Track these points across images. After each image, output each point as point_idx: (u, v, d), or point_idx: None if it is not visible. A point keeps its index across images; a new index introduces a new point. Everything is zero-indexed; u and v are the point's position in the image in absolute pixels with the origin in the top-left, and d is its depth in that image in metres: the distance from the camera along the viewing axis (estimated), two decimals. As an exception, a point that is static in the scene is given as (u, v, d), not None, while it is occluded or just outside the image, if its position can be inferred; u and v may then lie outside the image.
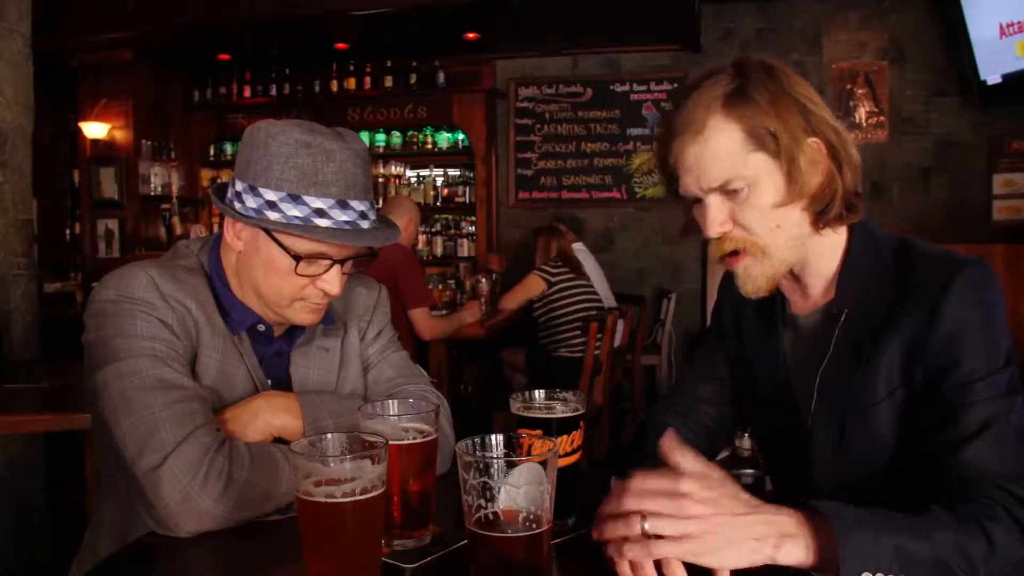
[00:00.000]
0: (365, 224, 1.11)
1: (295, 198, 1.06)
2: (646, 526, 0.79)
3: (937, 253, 1.01)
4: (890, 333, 0.98)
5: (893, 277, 1.01)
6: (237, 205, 1.10)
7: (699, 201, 1.01)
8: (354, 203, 1.09)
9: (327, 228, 1.07)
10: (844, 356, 1.03)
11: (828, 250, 1.06)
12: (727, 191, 0.98)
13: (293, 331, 1.24)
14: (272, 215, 1.07)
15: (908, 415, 0.97)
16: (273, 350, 1.22)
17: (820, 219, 1.01)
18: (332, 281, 1.12)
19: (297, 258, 1.09)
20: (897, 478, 0.98)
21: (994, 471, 0.87)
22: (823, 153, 0.98)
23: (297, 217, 1.06)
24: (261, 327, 1.19)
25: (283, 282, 1.11)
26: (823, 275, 1.07)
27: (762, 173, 0.97)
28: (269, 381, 1.19)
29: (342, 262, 1.13)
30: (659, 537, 0.79)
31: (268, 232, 1.09)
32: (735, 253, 1.01)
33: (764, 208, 0.98)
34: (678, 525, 0.78)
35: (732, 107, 0.96)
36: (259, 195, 1.07)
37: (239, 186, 1.10)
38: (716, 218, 0.99)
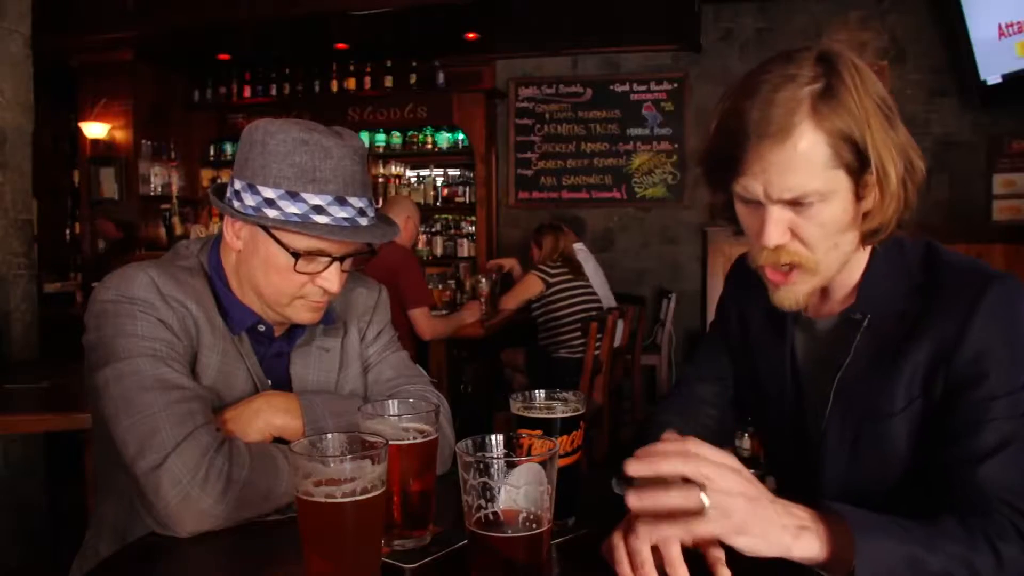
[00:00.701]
0: (363, 221, 1.11)
1: (293, 195, 1.06)
2: (705, 499, 0.75)
3: (966, 263, 0.97)
4: (915, 343, 0.95)
5: (920, 287, 0.98)
6: (236, 203, 1.10)
7: (755, 202, 0.93)
8: (352, 200, 1.09)
9: (325, 224, 1.07)
10: (864, 363, 1.00)
11: (856, 258, 1.01)
12: (795, 204, 0.91)
13: (293, 331, 1.24)
14: (271, 212, 1.07)
15: (922, 426, 0.95)
16: (273, 350, 1.22)
17: (870, 238, 0.96)
18: (331, 279, 1.12)
19: (296, 255, 1.08)
20: (905, 488, 0.97)
21: (1007, 490, 0.86)
22: (900, 174, 0.90)
23: (295, 214, 1.06)
24: (261, 327, 1.19)
25: (282, 280, 1.11)
26: (848, 283, 1.03)
27: (840, 190, 0.90)
28: (269, 381, 1.19)
29: (341, 259, 1.12)
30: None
31: (267, 230, 1.09)
32: (783, 268, 0.96)
33: (829, 226, 0.92)
34: (729, 501, 0.76)
35: (821, 112, 0.87)
36: (257, 193, 1.07)
37: (238, 184, 1.10)
38: (776, 228, 0.92)
